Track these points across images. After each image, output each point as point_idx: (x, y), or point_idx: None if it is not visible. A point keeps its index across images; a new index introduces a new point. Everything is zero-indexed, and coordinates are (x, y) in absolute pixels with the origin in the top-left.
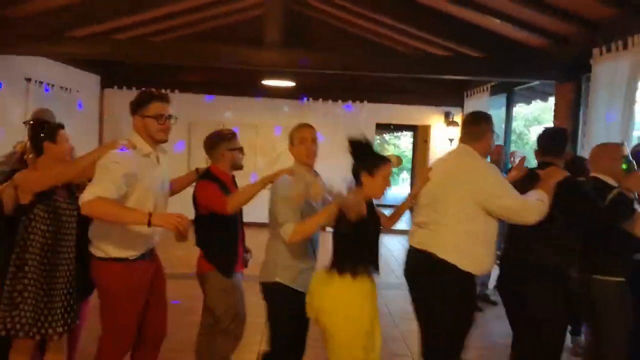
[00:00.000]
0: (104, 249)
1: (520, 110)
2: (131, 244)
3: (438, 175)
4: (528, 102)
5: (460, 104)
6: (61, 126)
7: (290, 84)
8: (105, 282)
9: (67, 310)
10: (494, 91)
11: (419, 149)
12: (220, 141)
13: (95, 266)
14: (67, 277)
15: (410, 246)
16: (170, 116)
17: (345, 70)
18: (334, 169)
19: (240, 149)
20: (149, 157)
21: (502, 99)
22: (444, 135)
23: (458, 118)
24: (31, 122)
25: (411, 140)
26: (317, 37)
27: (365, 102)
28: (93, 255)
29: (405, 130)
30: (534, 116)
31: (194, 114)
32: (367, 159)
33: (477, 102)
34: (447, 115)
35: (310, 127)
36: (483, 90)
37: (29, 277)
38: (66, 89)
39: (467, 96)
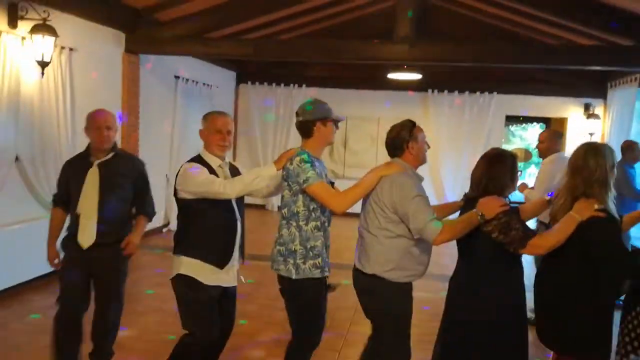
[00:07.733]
0: None
1: None
2: None
3: None
4: None
5: (602, 95)
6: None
7: (416, 76)
8: None
9: None
10: None
11: None
12: None
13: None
14: None
15: None
16: None
17: (476, 62)
18: (459, 161)
19: None
20: None
21: None
22: (583, 129)
23: (600, 110)
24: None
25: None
26: (449, 27)
27: (495, 93)
28: None
29: (537, 122)
30: None
31: None
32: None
33: (623, 93)
34: (586, 107)
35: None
36: (631, 80)
37: None
38: (208, 85)
39: (611, 87)
